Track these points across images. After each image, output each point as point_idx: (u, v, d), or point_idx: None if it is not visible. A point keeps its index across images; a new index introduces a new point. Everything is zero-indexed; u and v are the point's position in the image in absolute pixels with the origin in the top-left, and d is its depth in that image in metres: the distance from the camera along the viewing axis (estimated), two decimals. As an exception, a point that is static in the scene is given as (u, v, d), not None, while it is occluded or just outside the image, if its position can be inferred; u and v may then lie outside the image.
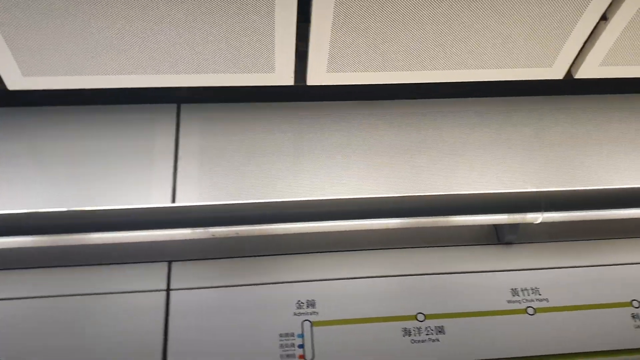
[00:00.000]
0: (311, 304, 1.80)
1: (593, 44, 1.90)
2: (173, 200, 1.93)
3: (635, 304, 1.87)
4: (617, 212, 1.89)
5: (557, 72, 2.00)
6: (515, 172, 2.07)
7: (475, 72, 1.95)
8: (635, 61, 1.97)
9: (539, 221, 1.86)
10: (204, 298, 1.79)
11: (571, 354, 1.77)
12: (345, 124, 2.14)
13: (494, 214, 1.85)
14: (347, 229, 1.84)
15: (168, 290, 1.81)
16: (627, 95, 2.29)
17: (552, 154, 2.14)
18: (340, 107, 2.17)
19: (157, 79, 1.85)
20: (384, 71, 1.90)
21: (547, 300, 1.85)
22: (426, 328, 1.78)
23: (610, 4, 1.77)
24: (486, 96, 2.24)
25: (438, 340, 1.76)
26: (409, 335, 1.77)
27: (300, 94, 2.14)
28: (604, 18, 1.83)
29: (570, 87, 2.26)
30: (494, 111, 2.21)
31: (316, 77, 1.92)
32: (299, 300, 1.80)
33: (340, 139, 2.12)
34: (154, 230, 1.75)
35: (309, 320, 1.77)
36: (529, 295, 1.86)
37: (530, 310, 1.84)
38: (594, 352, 1.78)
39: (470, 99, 2.22)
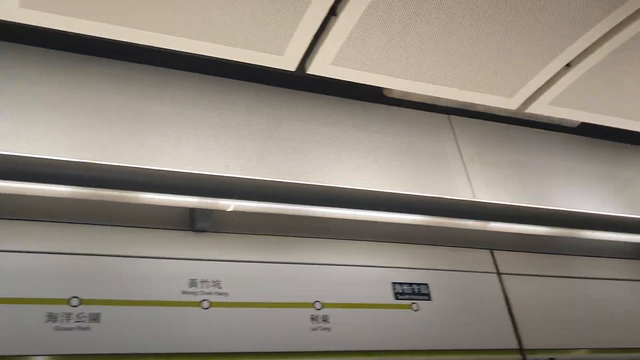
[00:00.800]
0: None
1: (324, 40, 1.84)
2: None
3: (317, 305, 1.82)
4: (312, 210, 1.83)
5: (288, 63, 1.91)
6: (219, 157, 1.92)
7: (196, 43, 1.77)
8: (363, 67, 1.95)
9: (230, 209, 1.73)
10: None
11: (241, 353, 1.65)
12: (44, 76, 1.83)
13: (183, 195, 1.69)
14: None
15: None
16: (357, 101, 2.30)
17: (266, 145, 2.04)
18: (39, 54, 1.86)
19: None
20: (84, 19, 1.64)
21: (226, 294, 1.72)
22: (78, 315, 1.54)
23: (338, -3, 1.72)
24: (219, 75, 2.10)
25: (89, 329, 1.53)
26: (55, 321, 1.51)
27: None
28: (334, 13, 1.77)
29: (306, 84, 2.22)
30: (215, 91, 2.06)
31: (5, 11, 1.61)
32: None
33: (33, 89, 1.79)
34: None
35: None
36: (208, 287, 1.71)
37: (205, 304, 1.68)
38: (267, 352, 1.67)
39: (197, 74, 2.06)
